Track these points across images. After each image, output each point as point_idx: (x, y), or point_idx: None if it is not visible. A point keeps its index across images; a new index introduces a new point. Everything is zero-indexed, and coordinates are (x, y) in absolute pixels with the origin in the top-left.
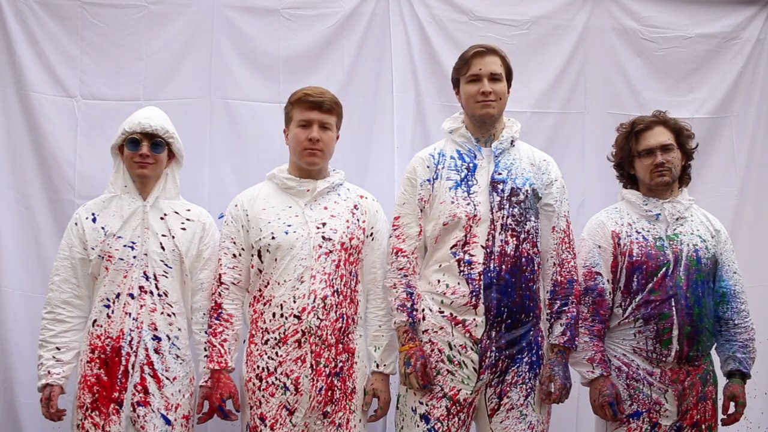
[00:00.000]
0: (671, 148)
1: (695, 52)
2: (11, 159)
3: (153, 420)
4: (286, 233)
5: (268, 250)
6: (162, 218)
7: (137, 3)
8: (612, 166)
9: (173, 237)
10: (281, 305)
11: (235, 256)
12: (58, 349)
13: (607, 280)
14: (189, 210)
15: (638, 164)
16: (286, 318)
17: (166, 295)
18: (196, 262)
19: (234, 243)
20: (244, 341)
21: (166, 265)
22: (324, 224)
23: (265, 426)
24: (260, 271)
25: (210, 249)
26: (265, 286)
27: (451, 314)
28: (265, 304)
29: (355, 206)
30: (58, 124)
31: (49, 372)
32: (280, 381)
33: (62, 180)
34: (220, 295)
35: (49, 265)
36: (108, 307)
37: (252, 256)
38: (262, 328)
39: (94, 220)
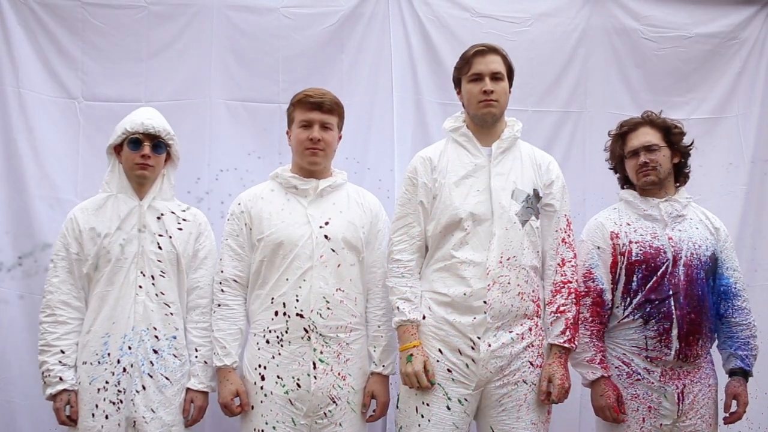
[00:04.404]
0: (655, 148)
1: (694, 52)
2: (10, 158)
3: (152, 420)
4: (289, 232)
5: (270, 249)
6: (159, 218)
7: (137, 4)
8: (609, 169)
9: (170, 237)
10: (284, 304)
11: (237, 253)
12: (62, 352)
13: (606, 281)
14: (184, 210)
15: (627, 165)
16: (289, 316)
17: (163, 295)
18: (192, 262)
19: (237, 241)
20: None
21: (163, 264)
22: (327, 223)
23: (267, 425)
24: (262, 270)
25: (205, 249)
26: (268, 285)
27: (452, 314)
28: (267, 303)
29: (357, 205)
30: (60, 125)
31: (61, 378)
32: (281, 379)
33: (64, 180)
34: (222, 292)
35: (47, 265)
36: (105, 307)
37: (254, 254)
38: (263, 327)
39: (89, 219)
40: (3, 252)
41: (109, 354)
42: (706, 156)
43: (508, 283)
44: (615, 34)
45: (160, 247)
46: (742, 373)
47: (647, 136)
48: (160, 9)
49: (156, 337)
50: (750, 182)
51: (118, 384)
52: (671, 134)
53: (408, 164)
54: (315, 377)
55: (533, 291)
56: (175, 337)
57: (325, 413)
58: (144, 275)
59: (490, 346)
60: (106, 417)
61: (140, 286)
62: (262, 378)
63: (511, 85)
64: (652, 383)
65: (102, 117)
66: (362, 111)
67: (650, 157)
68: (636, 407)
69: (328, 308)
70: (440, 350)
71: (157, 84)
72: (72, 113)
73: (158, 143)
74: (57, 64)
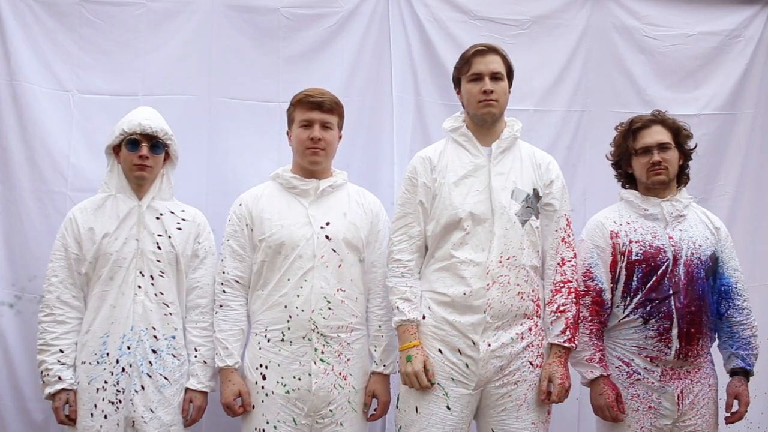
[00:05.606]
0: (668, 147)
1: (699, 49)
2: (2, 150)
3: (151, 420)
4: (290, 232)
5: (272, 249)
6: (158, 218)
7: (137, 1)
8: (610, 165)
9: (170, 237)
10: (285, 304)
11: (238, 254)
12: (61, 352)
13: (606, 280)
14: (183, 210)
15: (635, 162)
16: (290, 317)
17: (162, 295)
18: (191, 262)
19: (238, 241)
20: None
21: (162, 264)
22: (328, 223)
23: (268, 424)
24: (264, 270)
25: (205, 248)
26: (269, 285)
27: (452, 313)
28: (268, 303)
29: (357, 206)
30: (52, 116)
31: (60, 377)
32: (283, 379)
33: (54, 172)
34: (224, 293)
35: (36, 261)
36: (104, 307)
37: (256, 254)
38: (265, 327)
39: (88, 220)
40: None
41: (107, 354)
42: (711, 153)
43: (508, 282)
44: (616, 32)
45: (159, 247)
46: (743, 373)
47: (661, 134)
48: (160, 6)
49: (155, 337)
50: (750, 180)
51: (117, 384)
52: (680, 135)
53: (408, 164)
54: (316, 377)
55: (533, 291)
56: (174, 337)
57: (326, 413)
58: (143, 275)
59: (489, 345)
60: (105, 417)
61: (139, 286)
62: (263, 377)
63: (510, 85)
64: (652, 383)
65: (96, 110)
66: (362, 111)
67: (663, 156)
68: (636, 407)
69: (329, 308)
70: (440, 350)
71: (154, 78)
72: (65, 105)
73: (156, 143)
74: (51, 57)
